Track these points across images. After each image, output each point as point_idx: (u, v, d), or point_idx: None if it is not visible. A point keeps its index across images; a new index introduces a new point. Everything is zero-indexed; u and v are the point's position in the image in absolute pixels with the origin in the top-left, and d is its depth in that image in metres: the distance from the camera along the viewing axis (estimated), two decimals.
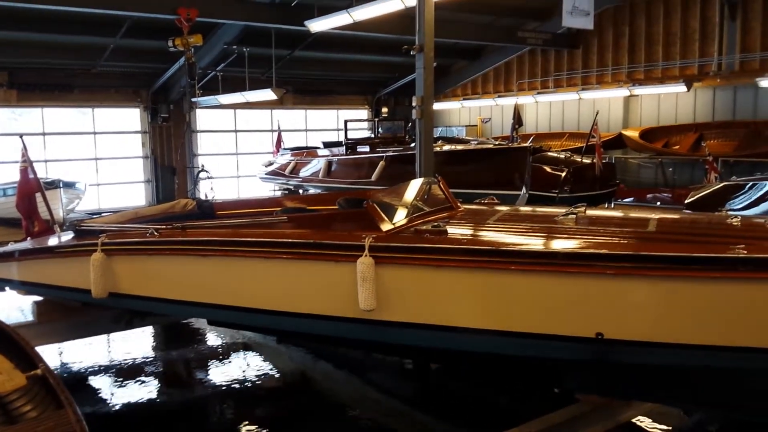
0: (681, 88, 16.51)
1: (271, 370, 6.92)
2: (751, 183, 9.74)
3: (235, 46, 17.14)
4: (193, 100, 17.62)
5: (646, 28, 18.00)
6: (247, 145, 22.79)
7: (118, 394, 6.50)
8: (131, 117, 20.42)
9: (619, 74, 18.73)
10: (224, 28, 16.39)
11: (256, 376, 6.67)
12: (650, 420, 5.32)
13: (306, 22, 14.09)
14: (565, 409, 5.02)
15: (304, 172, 16.97)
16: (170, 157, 20.62)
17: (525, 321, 4.29)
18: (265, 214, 6.29)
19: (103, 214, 10.33)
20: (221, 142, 22.37)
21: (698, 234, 4.67)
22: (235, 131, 22.57)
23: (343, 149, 16.05)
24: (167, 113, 20.13)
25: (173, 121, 20.32)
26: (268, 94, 17.23)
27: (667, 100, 17.92)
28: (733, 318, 3.81)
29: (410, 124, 15.33)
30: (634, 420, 5.28)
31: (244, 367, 7.00)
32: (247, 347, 7.52)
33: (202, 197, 15.18)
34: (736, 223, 4.63)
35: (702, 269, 3.76)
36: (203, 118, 21.68)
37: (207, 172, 17.16)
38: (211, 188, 16.38)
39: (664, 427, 5.29)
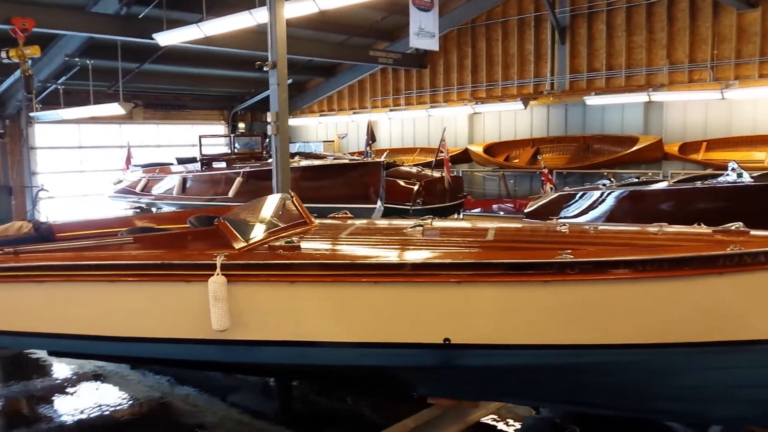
0: (519, 105, 17.83)
1: (125, 399, 6.56)
2: (581, 192, 10.63)
3: (77, 58, 16.19)
4: (31, 114, 16.48)
5: (487, 50, 19.23)
6: (94, 162, 21.55)
7: None
8: None
9: (464, 93, 19.85)
10: (65, 39, 15.46)
11: (110, 406, 6.30)
12: (499, 418, 5.62)
13: (154, 35, 13.67)
14: (417, 414, 5.19)
15: (157, 189, 16.35)
16: (6, 176, 19.03)
17: (378, 331, 4.44)
18: (110, 235, 6.01)
19: None
20: (64, 159, 20.97)
21: (532, 241, 5.06)
22: (80, 147, 21.31)
23: (198, 165, 15.65)
24: (2, 129, 18.68)
25: (9, 138, 18.84)
26: (115, 108, 16.42)
27: (506, 117, 19.21)
28: (564, 318, 4.12)
29: (268, 140, 15.26)
30: (483, 419, 5.56)
31: (95, 398, 6.57)
32: (97, 376, 7.09)
33: (42, 219, 14.13)
34: (565, 230, 5.04)
35: (534, 273, 4.05)
36: (43, 133, 20.22)
37: (47, 191, 15.99)
38: (52, 209, 15.27)
39: (513, 424, 5.60)
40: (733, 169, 8.99)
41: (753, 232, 4.39)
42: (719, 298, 3.90)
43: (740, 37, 14.93)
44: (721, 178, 9.12)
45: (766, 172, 9.14)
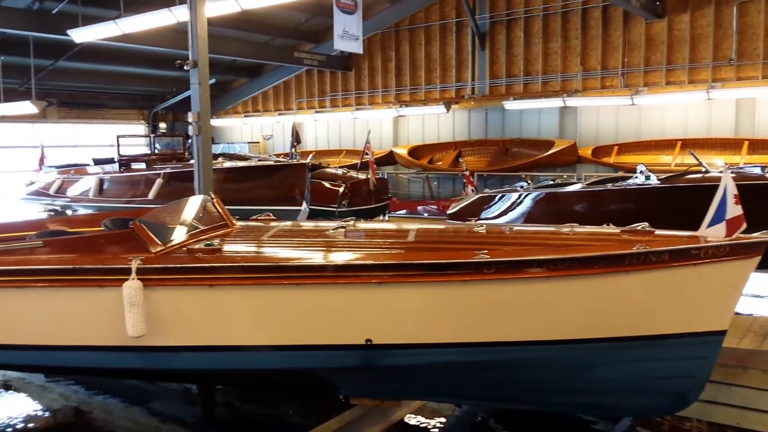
0: (441, 109, 18.17)
1: (39, 410, 6.28)
2: (500, 194, 10.89)
3: None
4: None
5: (410, 54, 19.51)
6: (5, 163, 20.63)
7: None
8: None
9: (388, 96, 20.05)
10: None
11: (22, 419, 6.01)
12: (422, 416, 5.70)
13: (69, 32, 13.18)
14: (340, 416, 5.21)
15: (72, 191, 15.70)
16: None
17: (299, 334, 4.45)
18: (19, 238, 5.76)
19: None
20: None
21: (452, 242, 5.15)
22: None
23: (116, 166, 15.13)
24: None
25: None
26: (27, 107, 15.81)
27: (430, 120, 19.55)
28: (483, 316, 4.22)
29: (189, 140, 14.93)
30: (406, 418, 5.63)
31: (6, 409, 6.27)
32: (8, 387, 6.76)
33: None
34: (483, 231, 5.15)
35: (452, 273, 4.14)
36: None
37: None
38: None
39: (436, 422, 5.70)
40: (641, 172, 9.40)
41: (658, 232, 4.60)
42: (627, 295, 4.10)
43: (648, 45, 15.73)
44: (630, 181, 9.53)
45: (672, 174, 9.60)
